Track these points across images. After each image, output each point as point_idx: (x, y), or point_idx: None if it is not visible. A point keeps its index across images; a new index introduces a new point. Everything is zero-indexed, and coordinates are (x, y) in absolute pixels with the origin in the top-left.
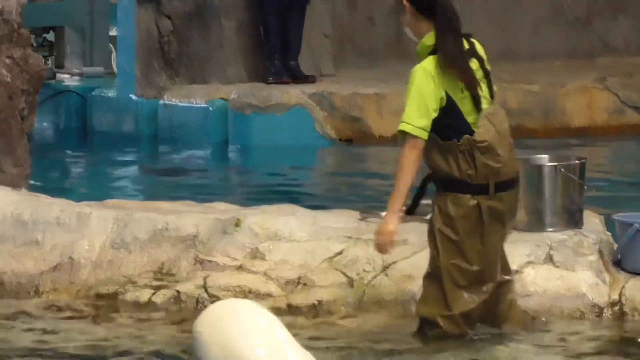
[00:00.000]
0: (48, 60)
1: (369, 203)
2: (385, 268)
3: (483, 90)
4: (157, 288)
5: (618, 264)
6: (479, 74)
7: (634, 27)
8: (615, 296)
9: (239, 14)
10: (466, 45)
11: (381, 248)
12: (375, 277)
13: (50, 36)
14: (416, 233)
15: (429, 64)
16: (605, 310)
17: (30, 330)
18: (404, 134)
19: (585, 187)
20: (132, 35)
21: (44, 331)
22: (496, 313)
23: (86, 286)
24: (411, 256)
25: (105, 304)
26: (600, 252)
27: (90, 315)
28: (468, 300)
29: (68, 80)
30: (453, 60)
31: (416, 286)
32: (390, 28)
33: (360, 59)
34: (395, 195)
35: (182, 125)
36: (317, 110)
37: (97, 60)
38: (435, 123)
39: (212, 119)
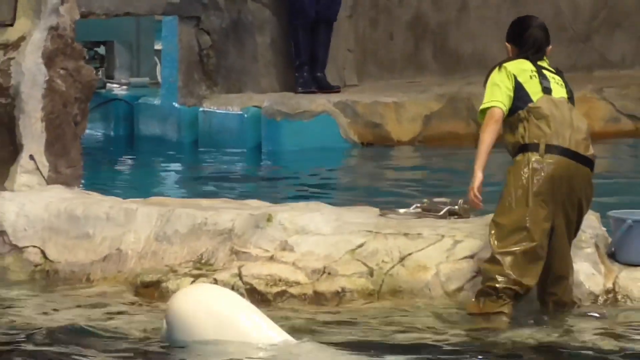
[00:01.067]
0: (99, 71)
1: (388, 200)
2: (402, 259)
3: (558, 91)
4: (196, 276)
5: (612, 256)
6: (558, 82)
7: (629, 43)
8: (609, 285)
9: (272, 30)
10: (549, 67)
11: (472, 204)
12: (392, 267)
13: (101, 50)
14: (430, 228)
15: (501, 63)
16: (600, 298)
17: (80, 313)
18: (483, 114)
19: None
20: (175, 49)
21: (93, 315)
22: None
23: (132, 275)
24: (425, 248)
25: (149, 291)
26: (596, 245)
27: (135, 301)
28: (506, 241)
29: (117, 89)
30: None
31: (429, 275)
32: (407, 43)
33: (380, 70)
34: (477, 157)
35: (220, 130)
36: (341, 117)
37: (143, 72)
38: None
39: (247, 125)
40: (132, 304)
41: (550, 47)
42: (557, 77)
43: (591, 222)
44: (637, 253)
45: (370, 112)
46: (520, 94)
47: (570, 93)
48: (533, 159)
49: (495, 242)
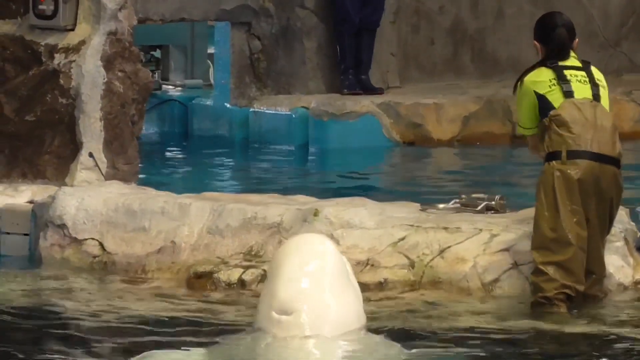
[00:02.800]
0: (155, 73)
1: (428, 196)
2: (441, 251)
3: (581, 90)
4: (246, 267)
5: None
6: (581, 79)
7: None
8: (638, 277)
9: (319, 36)
10: (575, 63)
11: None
12: (432, 259)
13: (157, 53)
14: (468, 222)
15: (523, 75)
16: (629, 288)
17: (138, 301)
18: (521, 127)
19: None
20: (227, 53)
21: (150, 303)
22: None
23: (185, 266)
24: (463, 241)
25: (201, 281)
26: (625, 239)
27: (189, 290)
28: (547, 254)
29: (172, 91)
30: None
31: (467, 267)
32: (447, 48)
33: (421, 74)
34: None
35: (269, 130)
36: (384, 118)
37: (197, 74)
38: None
39: (295, 125)
40: (184, 292)
41: (577, 40)
42: (580, 74)
43: (621, 217)
44: None
45: (411, 113)
46: (543, 105)
47: (595, 88)
48: (557, 167)
49: (537, 254)
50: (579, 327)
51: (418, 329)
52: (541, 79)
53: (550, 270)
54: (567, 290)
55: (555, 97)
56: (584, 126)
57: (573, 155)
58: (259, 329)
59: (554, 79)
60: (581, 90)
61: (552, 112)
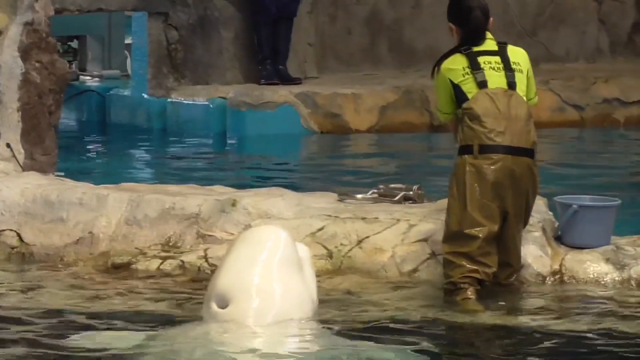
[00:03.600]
0: (72, 64)
1: (346, 186)
2: (360, 242)
3: (495, 79)
4: (165, 258)
5: (559, 239)
6: (495, 66)
7: (573, 38)
8: (556, 267)
9: (236, 26)
10: (490, 47)
11: None
12: (350, 249)
13: (74, 44)
14: (386, 212)
15: (439, 61)
16: (547, 279)
17: (55, 294)
18: (441, 113)
19: None
20: (144, 43)
21: (68, 295)
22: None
23: (104, 257)
24: (382, 231)
25: (119, 272)
26: (543, 229)
27: (107, 281)
28: (456, 244)
29: (89, 81)
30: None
31: (385, 257)
32: (364, 37)
33: (339, 64)
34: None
35: (187, 120)
36: (302, 108)
37: (115, 64)
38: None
39: (213, 115)
40: (102, 283)
41: (492, 19)
42: (494, 60)
43: (539, 206)
44: (582, 236)
45: (329, 103)
46: (458, 94)
47: (511, 74)
48: (469, 161)
49: (445, 245)
50: (494, 319)
51: (339, 318)
52: (455, 66)
53: (456, 259)
54: (474, 274)
55: (469, 87)
56: (496, 118)
57: (485, 149)
58: (202, 319)
59: (467, 67)
60: (495, 78)
61: (464, 105)
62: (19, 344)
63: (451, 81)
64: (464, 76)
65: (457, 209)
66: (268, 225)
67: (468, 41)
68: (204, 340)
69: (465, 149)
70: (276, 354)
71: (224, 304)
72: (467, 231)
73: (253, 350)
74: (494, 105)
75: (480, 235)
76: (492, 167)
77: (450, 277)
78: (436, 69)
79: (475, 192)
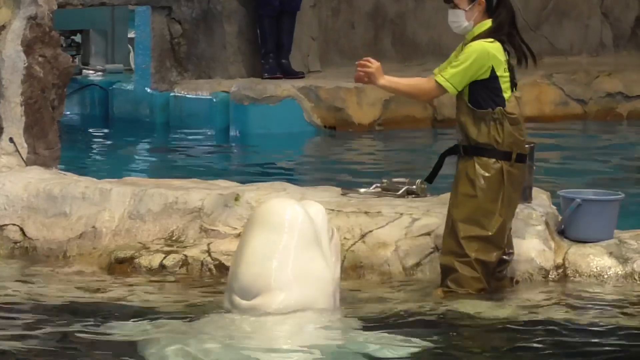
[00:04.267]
0: (75, 58)
1: (349, 180)
2: (363, 236)
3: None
4: (168, 253)
5: (562, 233)
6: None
7: (576, 32)
8: (559, 260)
9: (239, 20)
10: None
11: (359, 77)
12: (354, 243)
13: (78, 38)
14: (389, 206)
15: (488, 44)
16: (550, 273)
17: (58, 288)
18: (439, 83)
19: (535, 167)
20: (147, 37)
21: (71, 289)
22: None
23: (107, 251)
24: (385, 225)
25: (122, 266)
26: (546, 223)
27: (110, 276)
28: (483, 251)
29: (92, 75)
30: (509, 38)
31: (389, 251)
32: (368, 31)
33: (342, 57)
34: (399, 90)
35: (190, 114)
36: (305, 102)
37: (118, 59)
38: (475, 95)
39: (216, 109)
40: (105, 277)
41: None
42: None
43: (542, 200)
44: (585, 230)
45: (332, 96)
46: (493, 86)
47: (513, 74)
48: (506, 169)
49: (470, 247)
50: (498, 313)
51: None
52: (500, 57)
53: (479, 267)
54: (483, 291)
55: (506, 86)
56: (523, 125)
57: (520, 158)
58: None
59: (507, 61)
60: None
61: (507, 109)
62: (22, 339)
63: (493, 69)
64: (505, 71)
65: (489, 213)
66: (281, 202)
67: (503, 28)
68: (230, 331)
69: (504, 154)
70: (300, 347)
71: (247, 297)
72: (496, 239)
73: (277, 343)
74: (520, 112)
75: (502, 247)
76: (522, 176)
77: (470, 287)
78: (491, 41)
79: (513, 202)
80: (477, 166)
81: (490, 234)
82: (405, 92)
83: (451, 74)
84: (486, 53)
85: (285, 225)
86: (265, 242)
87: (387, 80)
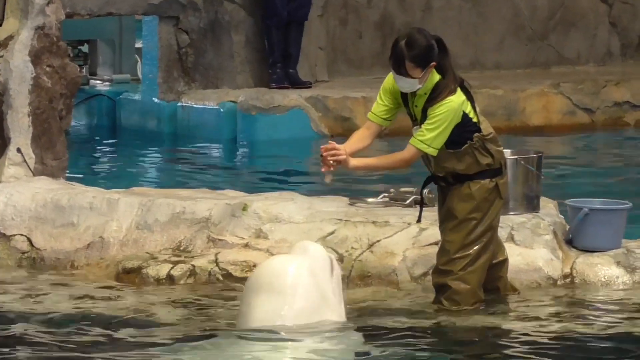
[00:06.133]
0: (83, 68)
1: (357, 191)
2: (370, 246)
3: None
4: (175, 263)
5: (570, 242)
6: None
7: (583, 41)
8: (567, 270)
9: (247, 30)
10: None
11: (329, 163)
12: (361, 253)
13: (85, 48)
14: (397, 216)
15: (455, 98)
16: (558, 282)
17: (65, 299)
18: (419, 149)
19: (542, 177)
20: (155, 47)
21: (79, 299)
22: (492, 286)
23: (114, 261)
24: (392, 235)
25: (130, 276)
26: (554, 232)
27: (117, 286)
28: (475, 266)
29: (100, 85)
30: (461, 84)
31: (396, 261)
32: (375, 41)
33: (349, 67)
34: (373, 166)
35: (197, 124)
36: (312, 111)
37: (125, 69)
38: (450, 138)
39: (223, 119)
40: (112, 287)
41: None
42: None
43: (549, 210)
44: (592, 239)
45: (340, 106)
46: (464, 123)
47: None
48: (500, 183)
49: (471, 277)
50: (505, 323)
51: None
52: (463, 98)
53: (479, 292)
54: (478, 302)
55: (473, 114)
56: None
57: (505, 166)
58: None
59: (464, 91)
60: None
61: (484, 133)
62: (28, 349)
63: (463, 113)
64: (468, 101)
65: (485, 232)
66: (283, 262)
67: (450, 72)
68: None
69: (495, 172)
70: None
71: None
72: (487, 251)
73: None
74: (488, 123)
75: (494, 253)
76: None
77: (457, 303)
78: (446, 105)
79: (499, 212)
80: (472, 189)
81: (481, 249)
82: (384, 167)
83: (431, 138)
84: (457, 108)
85: (286, 292)
86: (268, 310)
87: (358, 161)
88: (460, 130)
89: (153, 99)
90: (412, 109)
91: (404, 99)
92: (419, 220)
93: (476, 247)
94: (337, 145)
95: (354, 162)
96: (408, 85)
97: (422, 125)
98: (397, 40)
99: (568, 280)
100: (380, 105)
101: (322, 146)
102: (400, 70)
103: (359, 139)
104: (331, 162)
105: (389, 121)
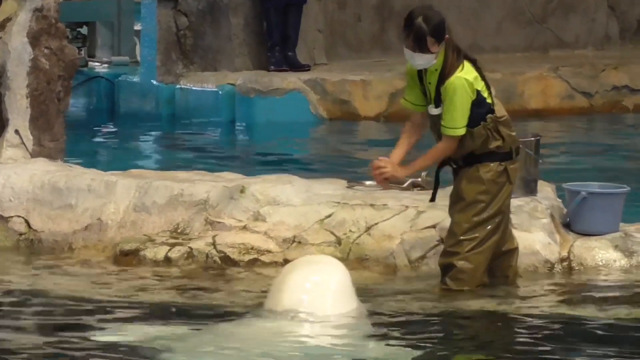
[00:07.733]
0: (81, 50)
1: (355, 174)
2: (368, 229)
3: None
4: (173, 245)
5: (567, 226)
6: None
7: (582, 25)
8: (564, 253)
9: (246, 12)
10: None
11: (380, 180)
12: (359, 236)
13: (84, 30)
14: (395, 199)
15: (465, 73)
16: (556, 266)
17: (63, 280)
18: (451, 135)
19: (540, 160)
20: (153, 29)
21: (76, 282)
22: (503, 274)
23: (112, 243)
24: (390, 218)
25: (127, 259)
26: (552, 216)
27: (115, 268)
28: (482, 248)
29: (98, 67)
30: (474, 63)
31: (394, 244)
32: (374, 24)
33: (348, 50)
34: (421, 167)
35: (196, 106)
36: (311, 94)
37: (124, 51)
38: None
39: (222, 102)
40: (110, 270)
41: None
42: None
43: (547, 193)
44: (590, 223)
45: (338, 89)
46: (478, 102)
47: None
48: (510, 168)
49: (479, 257)
50: (504, 306)
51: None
52: (475, 74)
53: (478, 263)
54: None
55: (487, 94)
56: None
57: (517, 152)
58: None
59: (477, 70)
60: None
61: (497, 114)
62: (25, 331)
63: (478, 91)
64: (480, 81)
65: (494, 215)
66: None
67: (456, 46)
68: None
69: (505, 155)
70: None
71: None
72: (495, 235)
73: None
74: (502, 106)
75: (505, 239)
76: (519, 168)
77: (464, 284)
78: (455, 81)
79: (511, 194)
80: (481, 172)
81: (489, 232)
82: (432, 163)
83: (455, 120)
84: (467, 84)
85: (328, 262)
86: (309, 273)
87: (407, 169)
88: (474, 108)
89: (152, 81)
90: (427, 87)
91: (419, 78)
92: (432, 199)
93: (484, 230)
94: (383, 163)
95: (403, 171)
96: (424, 61)
97: (443, 114)
98: (411, 19)
99: (565, 264)
100: (413, 89)
101: (371, 163)
102: (421, 47)
103: (408, 136)
104: (381, 178)
105: (424, 106)
